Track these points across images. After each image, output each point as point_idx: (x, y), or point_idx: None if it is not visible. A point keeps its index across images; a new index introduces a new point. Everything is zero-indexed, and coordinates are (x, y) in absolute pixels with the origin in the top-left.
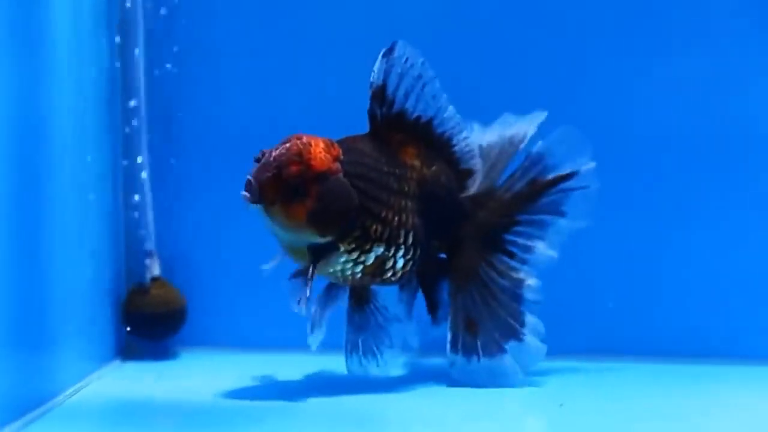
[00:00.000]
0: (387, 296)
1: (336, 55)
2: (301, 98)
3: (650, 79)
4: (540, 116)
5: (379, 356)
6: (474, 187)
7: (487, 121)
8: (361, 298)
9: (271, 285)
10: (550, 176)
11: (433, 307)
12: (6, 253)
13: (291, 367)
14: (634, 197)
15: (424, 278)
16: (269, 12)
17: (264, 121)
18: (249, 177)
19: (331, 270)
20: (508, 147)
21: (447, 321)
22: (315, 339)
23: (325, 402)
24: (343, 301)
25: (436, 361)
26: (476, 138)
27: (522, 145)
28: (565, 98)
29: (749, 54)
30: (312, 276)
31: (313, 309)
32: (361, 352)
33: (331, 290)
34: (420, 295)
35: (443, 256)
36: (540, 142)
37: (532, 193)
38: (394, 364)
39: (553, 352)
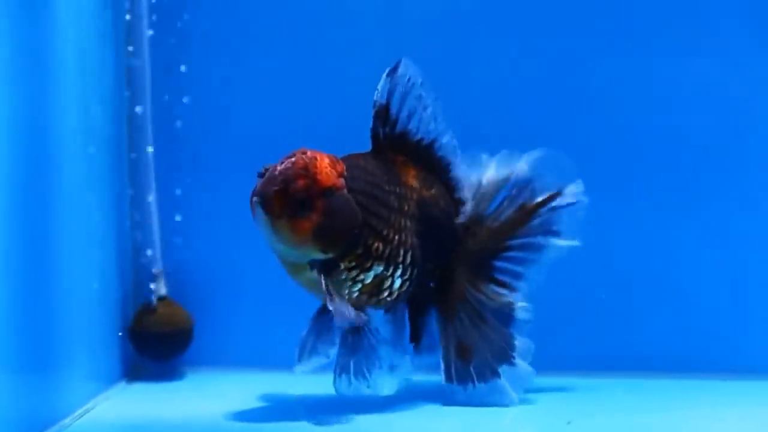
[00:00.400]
0: (378, 318)
1: (343, 74)
2: (307, 117)
3: (645, 85)
4: (535, 155)
5: (369, 377)
6: (463, 216)
7: (486, 145)
8: None
9: (278, 305)
10: (538, 200)
11: (416, 335)
12: (12, 274)
13: (298, 387)
14: (631, 211)
15: (413, 303)
16: (276, 29)
17: (270, 140)
18: (254, 191)
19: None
20: (501, 182)
21: (431, 351)
22: (302, 367)
23: (332, 421)
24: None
25: (434, 379)
26: (478, 173)
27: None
28: (558, 103)
29: (749, 57)
30: (333, 294)
31: (304, 333)
32: (351, 373)
33: (323, 316)
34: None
35: (431, 284)
36: (525, 167)
37: (521, 217)
38: (382, 385)
39: (551, 368)
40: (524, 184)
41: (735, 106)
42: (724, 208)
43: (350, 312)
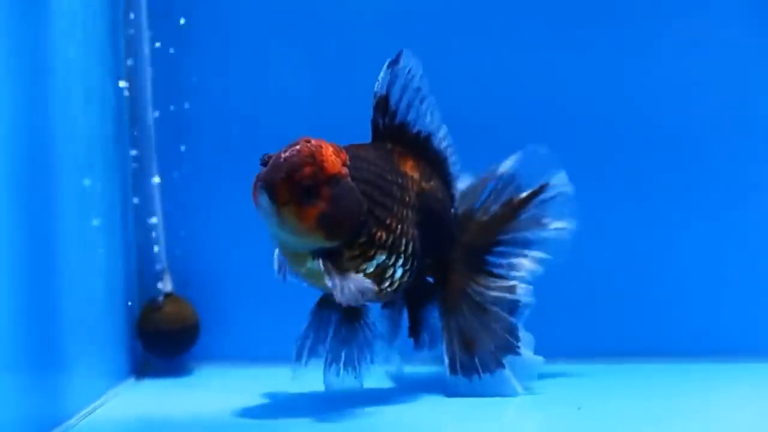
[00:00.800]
0: (376, 313)
1: (344, 67)
2: (310, 112)
3: (638, 79)
4: (518, 153)
5: (358, 369)
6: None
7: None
8: (353, 312)
9: (285, 300)
10: (525, 194)
11: (415, 330)
12: (18, 274)
13: (305, 381)
14: (633, 196)
15: (411, 298)
16: (276, 27)
17: (272, 135)
18: (259, 178)
19: None
20: (482, 182)
21: (432, 346)
22: (299, 370)
23: (340, 415)
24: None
25: (436, 370)
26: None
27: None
28: (554, 99)
29: (744, 54)
30: (330, 269)
31: (302, 330)
32: (341, 365)
33: (322, 310)
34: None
35: (430, 279)
36: (509, 164)
37: (509, 212)
38: (369, 377)
39: (558, 355)
40: (509, 180)
41: (723, 103)
42: (718, 196)
43: (354, 286)
